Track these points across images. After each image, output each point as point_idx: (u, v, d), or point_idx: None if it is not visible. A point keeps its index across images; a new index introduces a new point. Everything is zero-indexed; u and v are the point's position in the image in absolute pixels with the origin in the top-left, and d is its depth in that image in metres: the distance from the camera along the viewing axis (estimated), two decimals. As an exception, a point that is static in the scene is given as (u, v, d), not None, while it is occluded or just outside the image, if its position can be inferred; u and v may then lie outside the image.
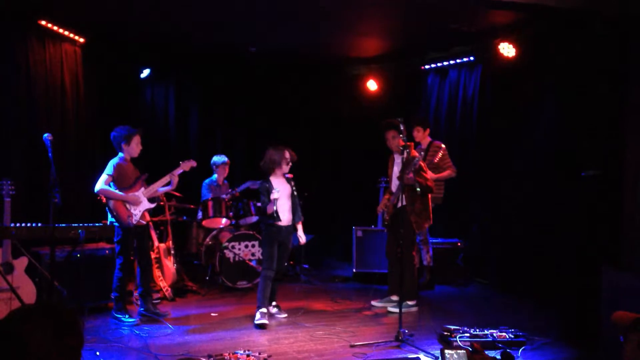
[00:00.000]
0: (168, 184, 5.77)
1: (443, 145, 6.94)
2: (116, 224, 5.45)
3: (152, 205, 5.69)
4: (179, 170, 5.77)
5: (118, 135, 5.54)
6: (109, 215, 5.51)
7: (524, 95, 7.03)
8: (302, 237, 5.99)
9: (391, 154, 6.46)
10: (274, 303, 5.95)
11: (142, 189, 5.60)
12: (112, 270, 6.10)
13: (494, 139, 7.52)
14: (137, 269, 5.81)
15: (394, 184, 6.29)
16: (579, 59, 6.11)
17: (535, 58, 6.84)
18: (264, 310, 5.64)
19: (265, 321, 5.54)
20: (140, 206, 5.55)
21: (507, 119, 7.30)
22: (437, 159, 6.86)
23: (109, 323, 5.53)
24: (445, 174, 6.88)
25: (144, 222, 5.72)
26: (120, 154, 5.58)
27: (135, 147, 5.58)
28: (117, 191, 5.44)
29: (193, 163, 5.89)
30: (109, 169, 5.44)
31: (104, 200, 5.61)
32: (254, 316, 5.60)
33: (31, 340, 1.56)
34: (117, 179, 5.46)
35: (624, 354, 2.17)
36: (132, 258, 6.65)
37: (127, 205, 5.47)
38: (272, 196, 5.63)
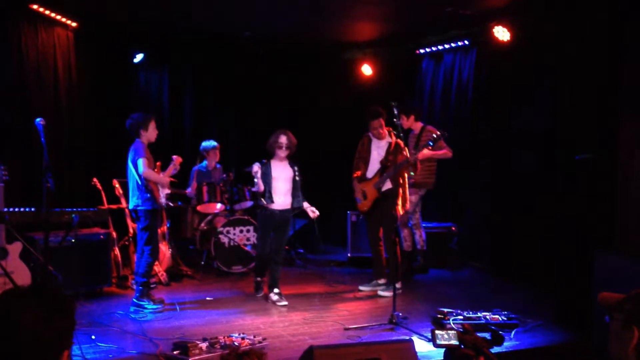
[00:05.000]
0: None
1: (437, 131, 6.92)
2: (141, 208, 5.44)
3: (169, 191, 5.75)
4: (176, 163, 5.77)
5: (135, 122, 5.51)
6: (135, 199, 5.47)
7: (519, 79, 7.01)
8: (313, 210, 5.86)
9: (365, 137, 6.43)
10: (276, 290, 5.88)
11: (161, 174, 5.64)
12: (106, 254, 6.10)
13: (488, 122, 7.51)
14: (136, 254, 5.81)
15: (372, 168, 6.29)
16: (574, 42, 6.09)
17: (530, 42, 6.81)
18: (277, 290, 5.83)
19: (284, 302, 5.72)
20: (164, 190, 5.63)
21: (501, 103, 7.28)
22: None
23: (104, 307, 5.54)
24: (442, 152, 6.82)
25: (164, 206, 5.78)
26: (137, 140, 5.54)
27: (152, 131, 5.57)
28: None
29: (180, 159, 5.85)
30: (142, 151, 5.41)
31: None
32: (248, 300, 5.61)
33: (22, 321, 1.56)
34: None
35: (609, 334, 2.21)
36: (126, 243, 6.65)
37: (158, 187, 5.51)
38: (252, 170, 5.67)
